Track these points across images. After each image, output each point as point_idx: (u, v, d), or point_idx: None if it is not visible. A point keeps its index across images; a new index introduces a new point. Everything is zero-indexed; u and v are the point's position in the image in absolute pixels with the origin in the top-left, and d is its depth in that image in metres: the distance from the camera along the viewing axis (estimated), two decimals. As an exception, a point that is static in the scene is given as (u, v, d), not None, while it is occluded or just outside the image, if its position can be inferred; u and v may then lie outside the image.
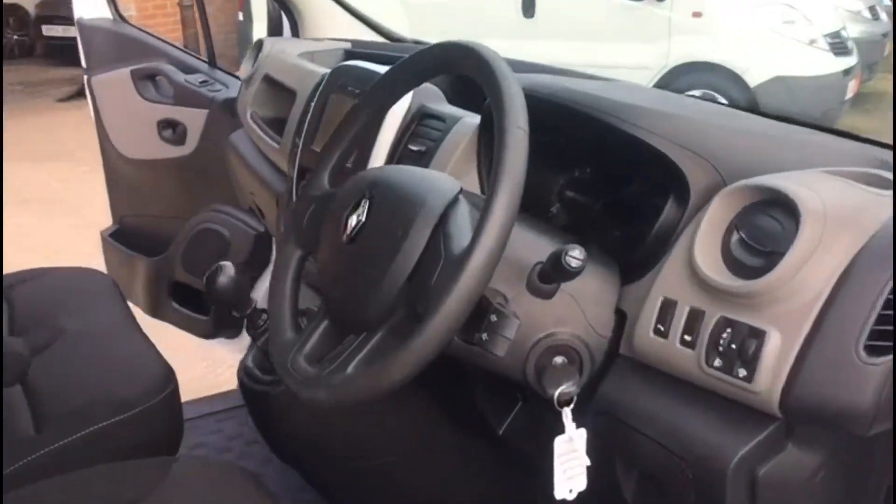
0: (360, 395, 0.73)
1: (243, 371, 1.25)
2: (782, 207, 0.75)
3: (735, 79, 5.07)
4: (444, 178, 0.84)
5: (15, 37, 9.78)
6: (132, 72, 2.25)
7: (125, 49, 2.29)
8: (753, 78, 5.02)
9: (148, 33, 2.34)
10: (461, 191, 0.82)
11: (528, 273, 0.82)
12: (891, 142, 0.92)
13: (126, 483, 1.04)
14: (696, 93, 5.12)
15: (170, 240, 2.31)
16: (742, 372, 0.72)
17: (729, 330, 0.74)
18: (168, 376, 1.33)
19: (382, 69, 1.21)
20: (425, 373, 0.74)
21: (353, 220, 0.83)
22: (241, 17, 6.16)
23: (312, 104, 1.32)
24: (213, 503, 1.01)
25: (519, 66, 1.41)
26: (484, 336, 0.78)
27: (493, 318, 0.77)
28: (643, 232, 0.88)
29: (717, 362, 0.75)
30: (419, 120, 1.16)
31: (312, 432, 1.21)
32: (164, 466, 1.08)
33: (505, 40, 5.10)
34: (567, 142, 1.03)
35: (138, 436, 1.21)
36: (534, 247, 0.84)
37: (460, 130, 1.09)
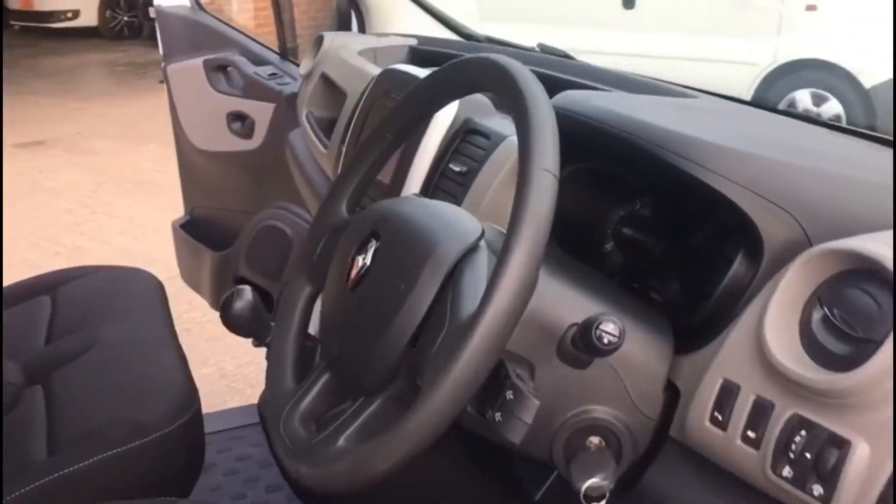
0: (340, 482, 0.62)
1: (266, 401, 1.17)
2: (882, 281, 0.59)
3: (849, 78, 4.70)
4: (463, 219, 0.71)
5: (125, 18, 10.12)
6: (204, 62, 2.21)
7: (200, 38, 2.25)
8: (869, 78, 4.64)
9: (223, 22, 2.30)
10: (482, 235, 0.69)
11: (559, 335, 0.68)
12: None
13: None
14: (806, 92, 4.78)
15: (237, 233, 2.27)
16: (818, 489, 0.57)
17: (803, 433, 0.59)
18: (191, 398, 1.25)
19: (417, 70, 1.10)
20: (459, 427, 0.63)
21: (358, 262, 0.71)
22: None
23: (358, 108, 1.21)
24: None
25: (579, 71, 1.26)
26: (497, 416, 0.64)
27: (510, 395, 0.65)
28: (706, 290, 0.74)
29: (787, 471, 0.60)
30: (464, 135, 1.03)
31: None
32: None
33: (599, 30, 4.90)
34: (625, 171, 0.88)
35: (155, 463, 1.14)
36: (570, 304, 0.70)
37: (504, 151, 0.95)
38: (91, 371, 1.28)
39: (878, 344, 0.57)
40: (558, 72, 1.29)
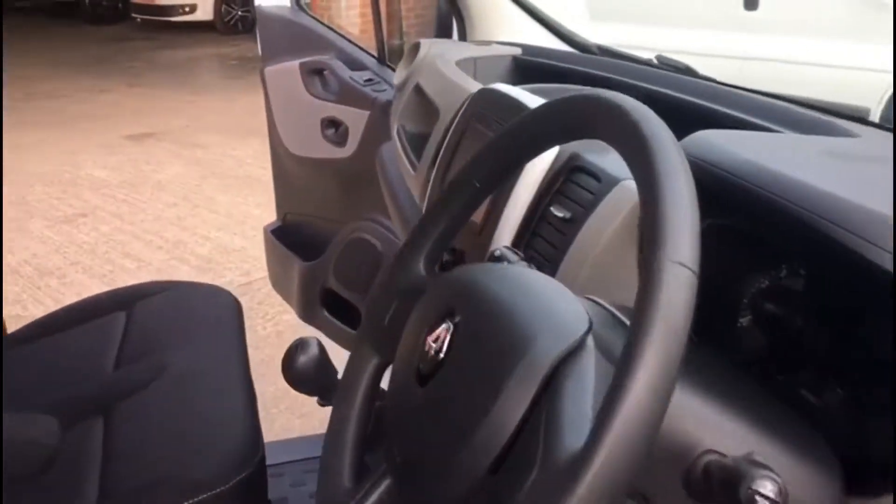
0: None
1: None
2: None
3: None
4: (564, 305, 0.56)
5: (238, 12, 10.36)
6: (301, 65, 2.14)
7: (299, 40, 2.18)
8: None
9: (323, 24, 2.22)
10: (590, 328, 0.53)
11: (688, 463, 0.53)
12: None
13: None
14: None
15: (327, 243, 2.20)
16: None
17: None
18: (254, 449, 1.15)
19: (531, 99, 0.95)
20: None
21: (431, 347, 0.58)
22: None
23: (451, 130, 1.08)
24: None
25: (705, 92, 1.09)
26: None
27: None
28: (878, 399, 0.57)
29: None
30: (568, 174, 0.87)
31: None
32: None
33: (719, 32, 4.60)
34: (769, 232, 0.71)
35: None
36: (705, 424, 0.54)
37: (621, 197, 0.79)
38: (154, 406, 1.20)
39: None
40: (681, 92, 1.13)
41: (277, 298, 2.68)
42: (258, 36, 2.36)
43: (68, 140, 5.74)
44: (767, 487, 0.45)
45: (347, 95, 1.99)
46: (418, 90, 1.36)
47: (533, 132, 0.64)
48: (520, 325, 0.53)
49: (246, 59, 8.78)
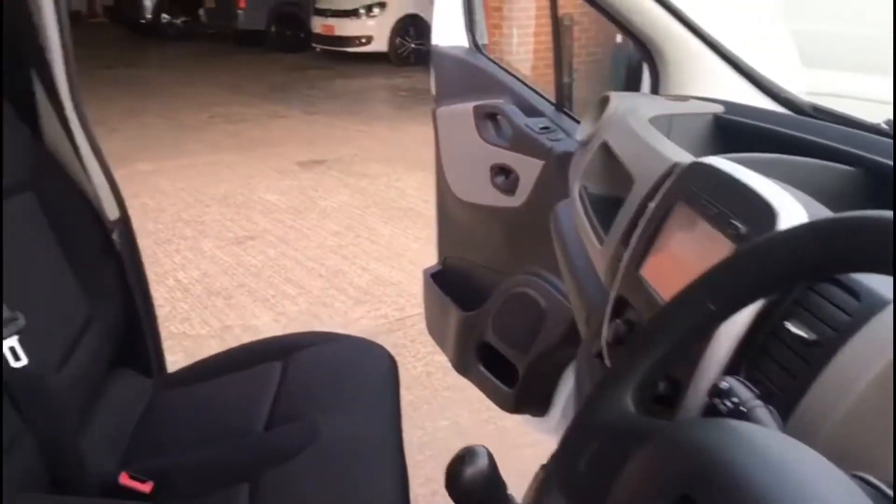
0: None
1: None
2: None
3: None
4: (835, 497, 0.41)
5: (412, 45, 10.63)
6: (475, 108, 2.06)
7: (473, 81, 2.11)
8: None
9: (499, 66, 2.14)
10: None
11: None
12: None
13: None
14: None
15: (487, 292, 2.10)
16: None
17: None
18: None
19: (756, 180, 0.79)
20: None
21: None
22: (619, 39, 5.71)
23: (650, 206, 0.94)
24: None
25: None
26: None
27: None
28: None
29: None
30: (814, 283, 0.67)
31: None
32: None
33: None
34: None
35: None
36: None
37: (888, 327, 0.59)
38: (303, 478, 1.13)
39: None
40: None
41: (430, 337, 2.62)
42: (432, 75, 2.32)
43: (245, 163, 6.01)
44: None
45: (521, 143, 1.89)
46: (606, 149, 1.23)
47: (793, 259, 0.49)
48: None
49: (416, 90, 8.95)
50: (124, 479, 1.16)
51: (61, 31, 1.38)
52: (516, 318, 1.96)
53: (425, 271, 2.45)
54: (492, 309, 2.04)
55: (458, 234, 2.31)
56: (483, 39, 2.25)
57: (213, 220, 4.78)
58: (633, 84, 1.57)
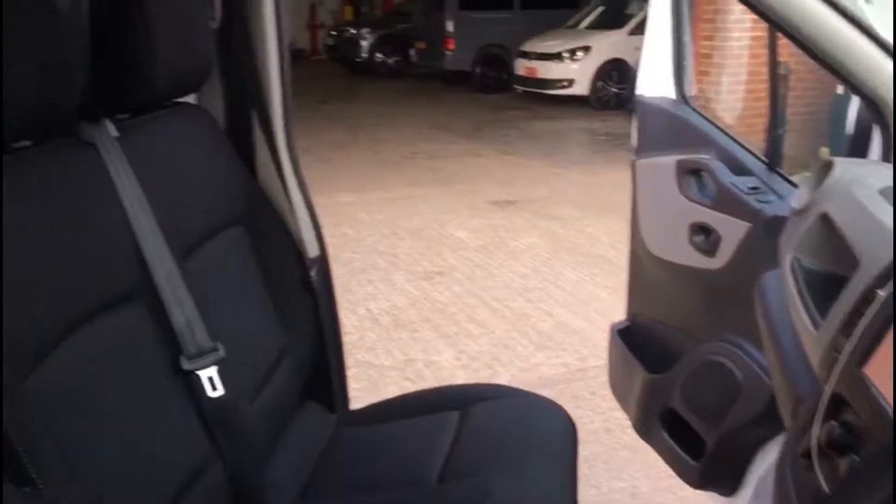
0: None
1: None
2: None
3: None
4: None
5: (613, 89, 10.53)
6: (678, 162, 1.98)
7: (678, 134, 2.03)
8: None
9: (707, 119, 2.04)
10: None
11: None
12: None
13: None
14: None
15: (675, 355, 1.99)
16: None
17: None
18: None
19: None
20: None
21: None
22: (839, 90, 5.25)
23: (880, 294, 0.83)
24: None
25: None
26: None
27: None
28: None
29: None
30: None
31: None
32: None
33: None
34: None
35: None
36: None
37: None
38: None
39: None
40: None
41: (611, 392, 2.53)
42: (634, 125, 2.26)
43: (440, 199, 6.17)
44: None
45: (725, 202, 1.78)
46: (826, 221, 1.12)
47: None
48: None
49: (614, 135, 8.84)
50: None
51: (282, 73, 1.47)
52: (708, 387, 1.84)
53: (612, 326, 2.37)
54: (681, 374, 1.93)
55: (649, 291, 2.21)
56: (690, 91, 2.17)
57: (405, 252, 4.93)
58: (859, 146, 1.42)
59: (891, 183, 1.14)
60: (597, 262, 4.69)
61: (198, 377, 1.14)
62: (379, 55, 14.32)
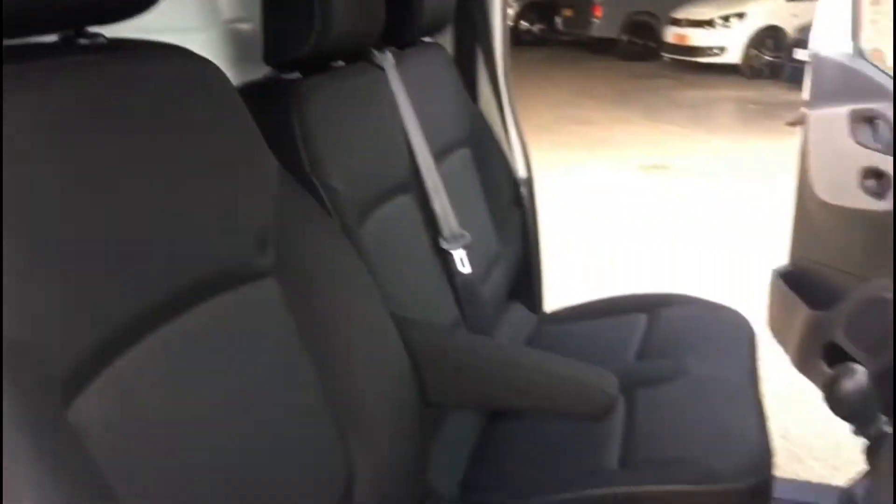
0: None
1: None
2: None
3: None
4: None
5: (767, 57, 10.22)
6: (852, 111, 2.09)
7: (852, 87, 2.13)
8: None
9: (882, 71, 2.13)
10: None
11: None
12: None
13: None
14: None
15: (837, 295, 2.11)
16: None
17: None
18: (766, 461, 1.19)
19: None
20: None
21: None
22: None
23: None
24: None
25: None
26: None
27: None
28: None
29: None
30: None
31: None
32: None
33: None
34: None
35: None
36: None
37: None
38: (672, 399, 1.32)
39: None
40: None
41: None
42: (808, 79, 2.36)
43: (589, 162, 6.31)
44: None
45: (899, 146, 1.89)
46: None
47: None
48: None
49: (766, 104, 8.64)
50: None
51: (503, 16, 1.71)
52: (872, 321, 1.95)
53: (774, 270, 2.49)
54: (846, 310, 2.05)
55: (815, 236, 2.32)
56: (865, 44, 2.25)
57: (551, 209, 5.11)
58: None
59: None
60: (744, 229, 4.71)
61: (451, 256, 1.42)
62: (524, 23, 14.40)
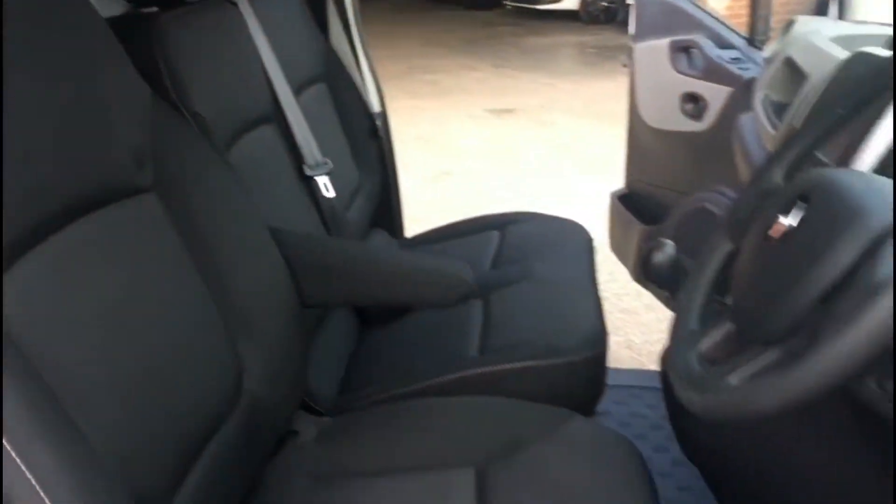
0: (727, 412, 0.66)
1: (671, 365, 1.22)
2: None
3: None
4: (886, 190, 0.68)
5: (603, 3, 10.67)
6: (671, 43, 2.29)
7: (671, 20, 2.34)
8: None
9: (696, 5, 2.36)
10: None
11: None
12: None
13: (516, 419, 1.14)
14: None
15: (669, 209, 2.34)
16: None
17: None
18: (600, 338, 1.38)
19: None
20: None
21: (783, 222, 0.74)
22: None
23: (820, 94, 1.18)
24: (590, 478, 1.03)
25: None
26: (881, 386, 0.64)
27: None
28: None
29: None
30: None
31: (720, 440, 1.14)
32: (557, 419, 1.14)
33: None
34: None
35: (561, 381, 1.30)
36: None
37: None
38: (521, 296, 1.48)
39: None
40: None
41: (606, 269, 2.89)
42: (633, 16, 2.55)
43: (440, 109, 6.45)
44: None
45: (711, 72, 2.11)
46: (789, 62, 1.46)
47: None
48: (858, 203, 0.66)
49: (604, 47, 9.06)
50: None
51: None
52: (696, 230, 2.19)
53: (612, 193, 2.71)
54: (673, 222, 2.28)
55: (645, 159, 2.55)
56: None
57: (411, 157, 5.23)
58: (821, 12, 1.76)
59: (841, 33, 1.48)
60: (590, 160, 5.01)
61: (316, 181, 1.51)
62: (367, -26, 14.25)
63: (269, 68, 1.47)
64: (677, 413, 1.27)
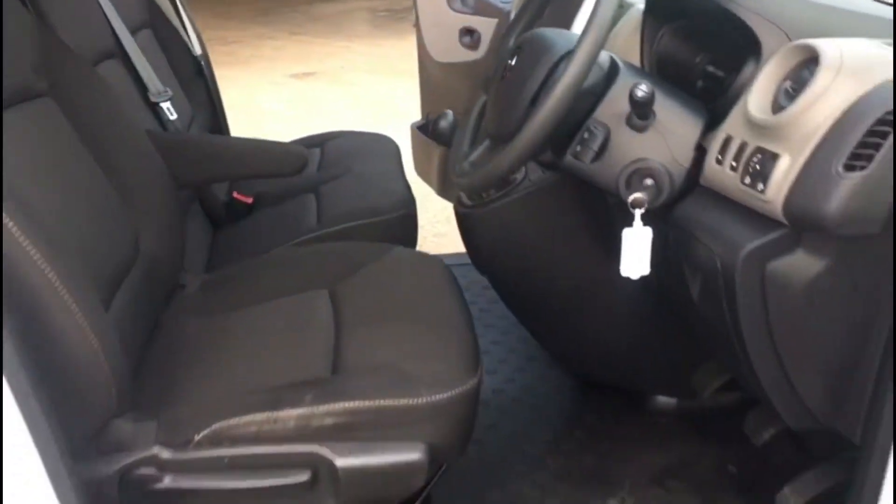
0: (479, 183, 1.08)
1: (458, 201, 1.65)
2: (816, 62, 0.93)
3: None
4: (567, 35, 1.12)
5: (396, -33, 11.04)
6: (447, -14, 2.69)
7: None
8: None
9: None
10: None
11: (627, 111, 1.07)
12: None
13: (355, 253, 1.50)
14: None
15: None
16: (760, 186, 0.94)
17: (759, 156, 0.95)
18: (409, 202, 1.79)
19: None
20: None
21: (510, 63, 1.15)
22: None
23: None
24: (413, 282, 1.41)
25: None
26: (577, 147, 1.08)
27: (586, 135, 1.06)
28: (726, 86, 1.10)
29: (748, 180, 0.96)
30: None
31: (500, 247, 1.57)
32: (385, 248, 1.52)
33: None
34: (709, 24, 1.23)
35: (382, 234, 1.69)
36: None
37: (632, 15, 1.35)
38: (345, 186, 1.86)
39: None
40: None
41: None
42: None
43: (244, 78, 6.60)
44: (642, 86, 1.01)
45: (482, 7, 2.54)
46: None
47: None
48: (547, 45, 1.09)
49: (394, 10, 9.47)
50: (234, 195, 1.89)
51: None
52: (483, 142, 2.64)
53: (412, 125, 3.09)
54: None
55: (436, 91, 2.93)
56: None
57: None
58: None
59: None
60: (391, 111, 5.42)
61: (161, 107, 1.78)
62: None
63: (106, 10, 1.72)
64: (468, 238, 1.68)
